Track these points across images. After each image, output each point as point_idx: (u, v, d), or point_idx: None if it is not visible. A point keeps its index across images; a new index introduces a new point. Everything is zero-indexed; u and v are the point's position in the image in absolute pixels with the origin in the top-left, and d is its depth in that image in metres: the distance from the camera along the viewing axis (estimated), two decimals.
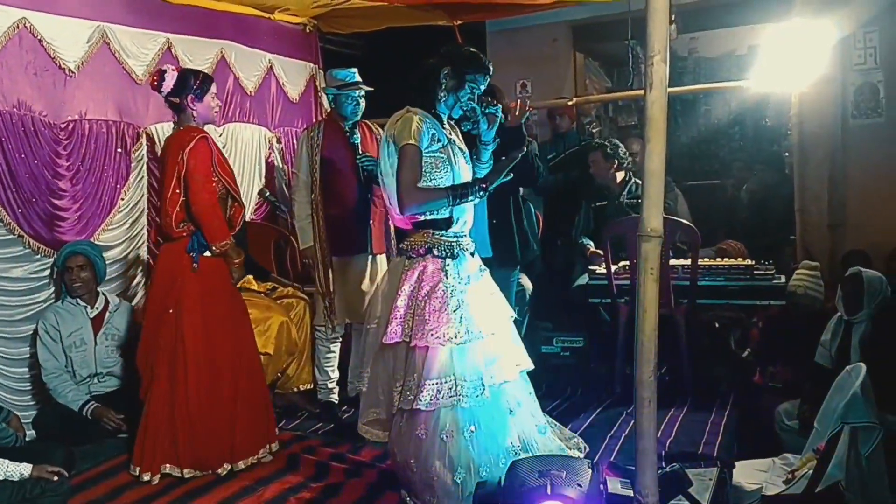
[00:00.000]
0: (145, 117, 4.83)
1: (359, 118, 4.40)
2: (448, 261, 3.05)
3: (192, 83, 3.56)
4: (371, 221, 4.36)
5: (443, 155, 3.03)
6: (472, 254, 3.17)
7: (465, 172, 3.12)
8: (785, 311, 4.55)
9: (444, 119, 3.14)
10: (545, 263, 5.88)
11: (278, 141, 5.82)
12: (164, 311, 3.52)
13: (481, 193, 3.03)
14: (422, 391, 2.92)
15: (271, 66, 5.77)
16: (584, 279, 5.14)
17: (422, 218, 3.07)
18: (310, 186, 4.32)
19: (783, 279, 4.60)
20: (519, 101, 3.89)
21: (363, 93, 4.36)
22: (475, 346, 2.99)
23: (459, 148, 3.15)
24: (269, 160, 5.75)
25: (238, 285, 4.10)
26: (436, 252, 3.05)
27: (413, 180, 2.95)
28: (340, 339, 4.52)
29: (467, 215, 3.16)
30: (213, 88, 3.59)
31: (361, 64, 4.55)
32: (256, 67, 5.64)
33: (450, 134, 3.13)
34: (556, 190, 6.09)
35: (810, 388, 3.69)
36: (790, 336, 4.39)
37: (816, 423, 3.14)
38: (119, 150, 4.66)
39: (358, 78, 4.37)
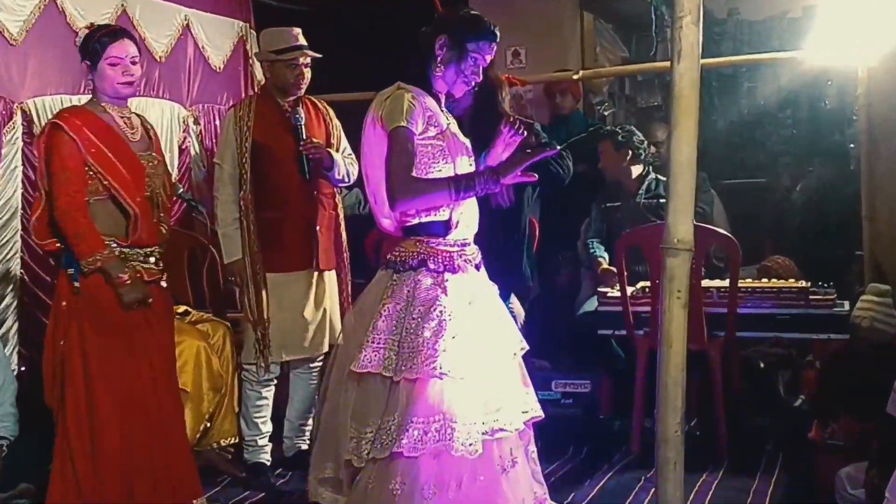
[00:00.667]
0: (21, 89, 4.76)
1: (302, 93, 4.41)
2: (447, 275, 3.10)
3: (87, 44, 3.56)
4: (318, 227, 4.37)
5: (440, 142, 3.12)
6: (478, 267, 3.25)
7: (465, 165, 3.20)
8: (848, 348, 4.58)
9: (443, 100, 3.24)
10: (542, 283, 5.88)
11: (196, 122, 5.80)
12: (56, 343, 3.56)
13: (492, 185, 3.06)
14: (406, 431, 2.94)
15: (188, 25, 5.73)
16: (591, 304, 5.18)
17: (414, 221, 3.13)
18: (237, 181, 4.31)
19: (846, 306, 4.65)
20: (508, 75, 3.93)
21: (308, 61, 4.37)
22: (476, 382, 3.04)
23: (459, 138, 3.24)
24: (184, 146, 5.73)
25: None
26: (431, 264, 3.11)
27: (407, 168, 3.02)
28: (275, 383, 4.51)
29: (471, 218, 3.23)
30: (114, 50, 3.54)
31: (308, 24, 4.57)
32: (168, 26, 5.61)
33: (448, 118, 3.22)
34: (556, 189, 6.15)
35: (880, 446, 3.70)
36: (855, 380, 4.41)
37: (888, 491, 3.15)
38: None
39: (302, 40, 4.38)
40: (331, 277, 4.47)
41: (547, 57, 6.82)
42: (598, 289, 5.13)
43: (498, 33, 3.23)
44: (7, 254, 4.75)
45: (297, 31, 4.41)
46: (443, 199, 3.06)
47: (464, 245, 3.19)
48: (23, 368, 4.66)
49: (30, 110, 4.81)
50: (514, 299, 5.05)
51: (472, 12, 3.27)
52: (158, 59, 5.54)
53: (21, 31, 4.74)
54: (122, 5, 5.28)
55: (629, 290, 4.71)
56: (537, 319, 5.38)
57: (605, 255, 5.41)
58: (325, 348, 4.42)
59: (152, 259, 3.61)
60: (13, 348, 4.73)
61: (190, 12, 5.75)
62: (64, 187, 3.47)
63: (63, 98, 4.83)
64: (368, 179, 3.16)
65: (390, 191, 3.03)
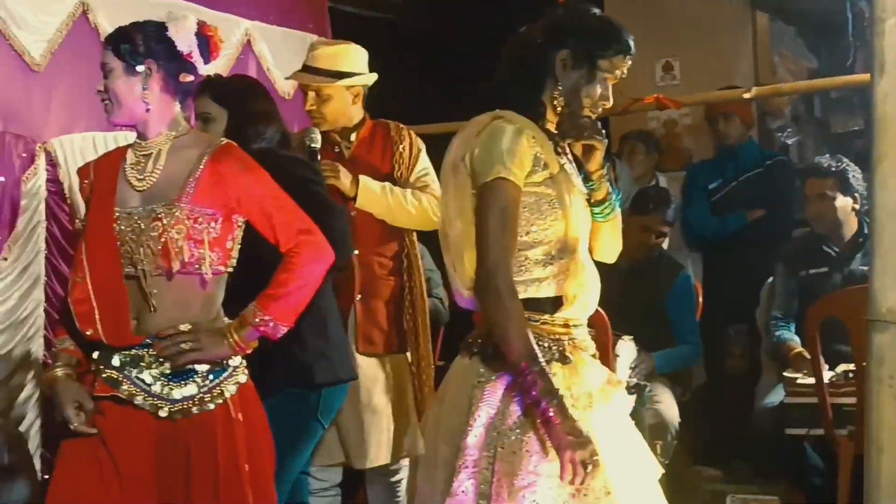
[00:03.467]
0: (44, 125, 4.91)
1: (324, 125, 4.53)
2: (555, 366, 2.98)
3: None
4: (358, 297, 4.45)
5: (549, 190, 3.01)
6: (595, 355, 3.14)
7: (583, 219, 3.11)
8: None
9: (555, 132, 3.13)
10: (709, 366, 5.94)
11: None
12: None
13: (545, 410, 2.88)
14: None
15: (249, 41, 5.95)
16: (777, 394, 5.18)
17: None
18: None
19: None
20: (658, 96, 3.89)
21: (319, 85, 4.50)
22: None
23: (574, 182, 3.12)
24: None
25: None
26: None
27: (505, 244, 2.94)
28: (333, 494, 4.58)
29: (592, 293, 3.11)
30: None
31: (394, 35, 4.63)
32: (226, 42, 5.72)
33: (561, 157, 3.10)
34: (723, 242, 6.19)
35: None
36: None
37: None
38: (1, 178, 4.77)
39: (315, 60, 4.55)
40: (393, 363, 4.51)
41: (708, 71, 6.92)
42: (785, 374, 5.08)
43: (633, 44, 3.09)
44: (27, 331, 4.86)
45: (320, 47, 4.66)
46: (509, 348, 2.89)
47: (577, 326, 3.08)
48: (46, 476, 4.68)
49: (55, 151, 4.93)
50: (661, 393, 5.20)
51: (599, 14, 3.14)
52: None
53: (45, 53, 4.91)
54: (168, 17, 5.43)
55: (827, 375, 4.65)
56: (704, 413, 5.45)
57: (797, 338, 5.35)
58: (384, 459, 4.44)
59: (132, 367, 3.23)
60: (35, 450, 4.82)
61: (252, 25, 5.91)
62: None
63: (96, 136, 4.99)
64: (447, 241, 3.04)
65: (480, 270, 2.93)
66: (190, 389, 3.17)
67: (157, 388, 3.17)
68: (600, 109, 3.11)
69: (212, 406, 3.17)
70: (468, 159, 2.97)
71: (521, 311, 2.89)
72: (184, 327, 3.15)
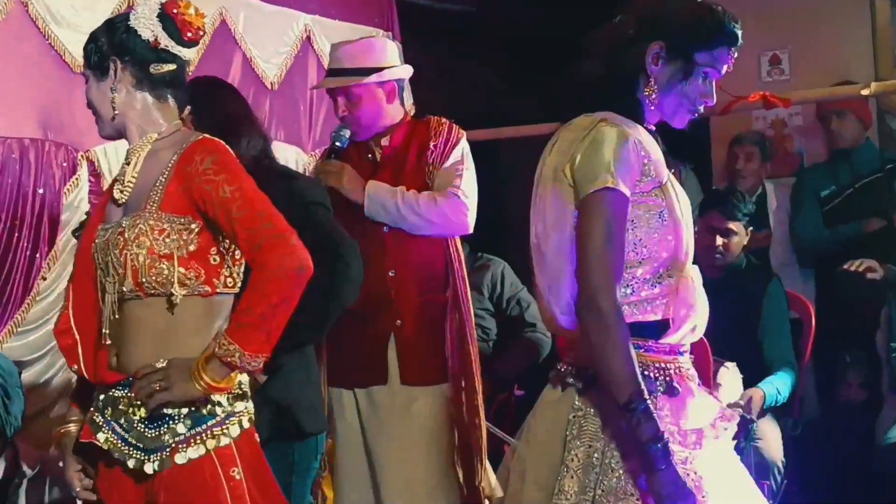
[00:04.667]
0: (87, 132, 4.78)
1: (363, 131, 4.41)
2: (660, 398, 2.91)
3: None
4: (397, 322, 4.30)
5: (659, 200, 2.91)
6: (700, 384, 3.06)
7: (692, 233, 3.03)
8: None
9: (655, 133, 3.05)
10: (822, 397, 6.04)
11: None
12: None
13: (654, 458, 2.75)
14: None
15: (309, 37, 5.89)
16: None
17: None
18: None
19: None
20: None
21: (343, 92, 4.37)
22: None
23: (681, 193, 3.03)
24: None
25: None
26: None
27: (612, 261, 2.83)
28: None
29: (702, 315, 3.03)
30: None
31: (470, 28, 4.47)
32: (282, 39, 5.77)
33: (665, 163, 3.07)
34: (838, 257, 5.85)
35: None
36: None
37: None
38: (41, 190, 4.75)
39: (342, 60, 4.40)
40: (438, 395, 4.38)
41: (821, 65, 6.77)
42: None
43: (740, 34, 2.99)
44: None
45: (342, 46, 4.49)
46: (613, 379, 2.78)
47: (682, 353, 3.00)
48: None
49: (98, 161, 4.93)
50: (766, 424, 5.17)
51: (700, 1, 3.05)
52: (269, 86, 5.70)
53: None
54: (221, 13, 5.40)
55: None
56: (818, 450, 5.40)
57: None
58: (431, 500, 4.35)
59: (112, 411, 2.96)
60: None
61: (312, 20, 5.91)
62: None
63: None
64: (542, 258, 2.97)
65: (583, 289, 2.81)
66: (165, 438, 2.86)
67: (133, 435, 2.88)
68: (701, 108, 3.04)
69: (185, 459, 2.85)
70: (569, 167, 2.90)
71: (627, 336, 2.79)
72: (160, 364, 2.85)
